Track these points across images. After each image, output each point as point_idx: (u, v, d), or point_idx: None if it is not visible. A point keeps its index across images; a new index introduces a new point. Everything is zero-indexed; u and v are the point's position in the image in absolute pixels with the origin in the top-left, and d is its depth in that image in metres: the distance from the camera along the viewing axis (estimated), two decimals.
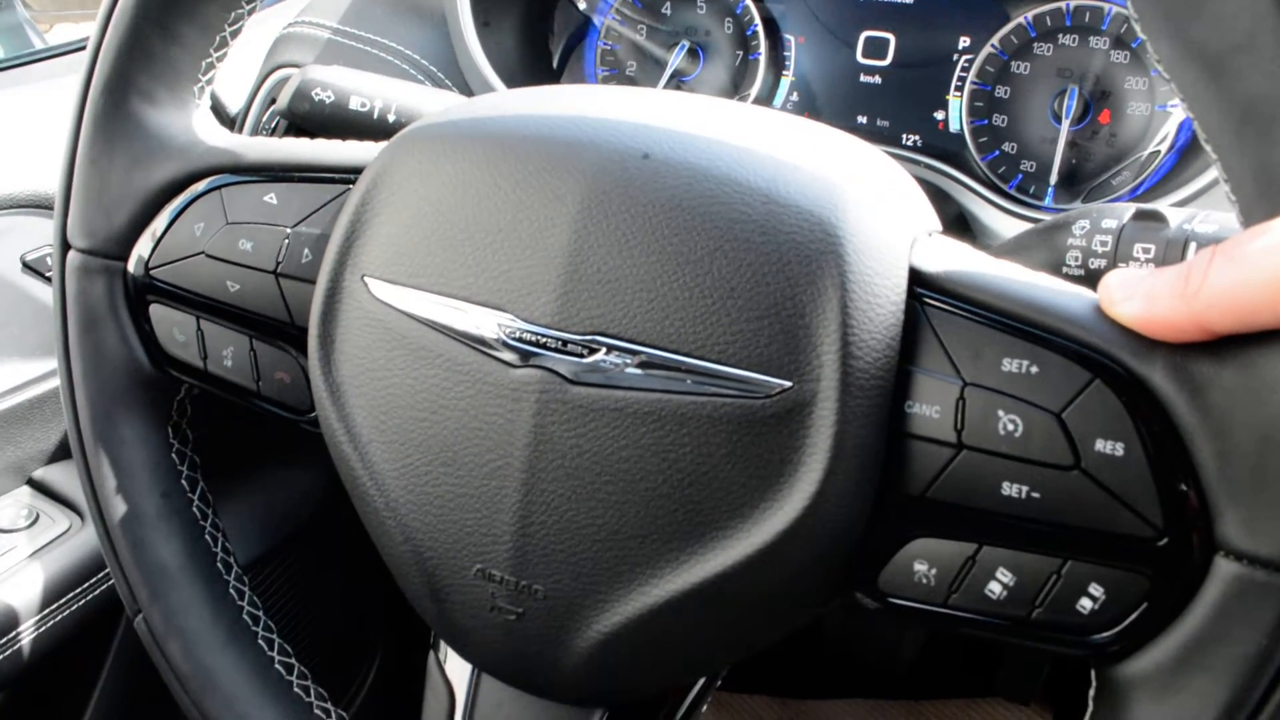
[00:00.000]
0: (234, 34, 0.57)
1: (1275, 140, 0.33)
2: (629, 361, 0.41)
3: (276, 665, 0.60)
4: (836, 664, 1.43)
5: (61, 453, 0.91)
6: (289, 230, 0.53)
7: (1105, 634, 0.38)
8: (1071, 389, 0.37)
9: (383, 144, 0.49)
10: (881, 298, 0.39)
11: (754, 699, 1.47)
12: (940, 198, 0.81)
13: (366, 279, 0.47)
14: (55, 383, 0.88)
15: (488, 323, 0.44)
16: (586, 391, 0.42)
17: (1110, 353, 0.37)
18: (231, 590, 0.61)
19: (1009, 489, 0.38)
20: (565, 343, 0.42)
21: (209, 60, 0.57)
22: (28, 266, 0.87)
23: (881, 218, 0.41)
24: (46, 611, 0.82)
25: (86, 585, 0.85)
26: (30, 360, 0.87)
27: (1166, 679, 0.37)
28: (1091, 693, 0.41)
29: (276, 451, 1.06)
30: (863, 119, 0.85)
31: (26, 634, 0.80)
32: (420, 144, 0.47)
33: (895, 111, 0.85)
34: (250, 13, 0.57)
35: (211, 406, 0.67)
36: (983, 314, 0.39)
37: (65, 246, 0.58)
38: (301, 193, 0.54)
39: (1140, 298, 0.36)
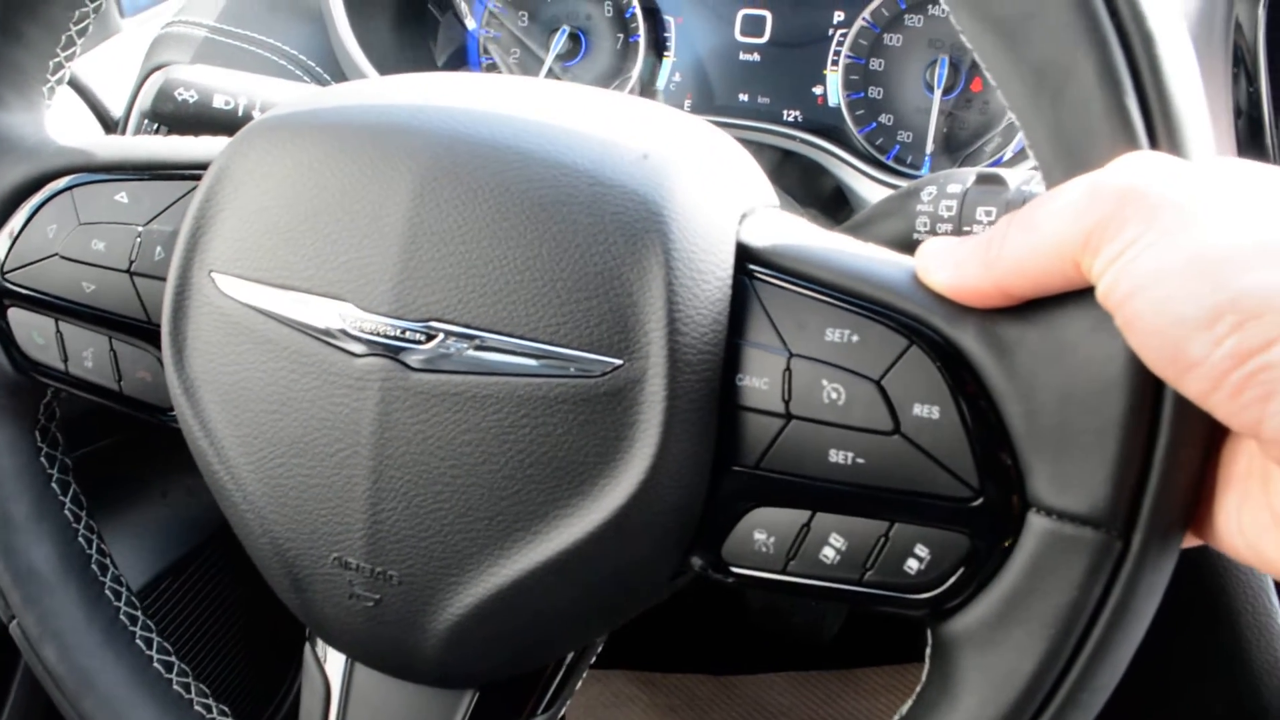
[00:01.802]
0: (81, 33, 0.56)
1: (1065, 104, 0.34)
2: (466, 346, 0.42)
3: (155, 664, 0.60)
4: (765, 638, 1.45)
5: None
6: (141, 229, 0.53)
7: (932, 593, 0.39)
8: (890, 356, 0.38)
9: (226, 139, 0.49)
10: (707, 274, 0.40)
11: (688, 677, 1.48)
12: (819, 172, 0.82)
13: (214, 274, 0.47)
14: None
15: (329, 314, 0.44)
16: (427, 378, 0.42)
17: (925, 319, 0.38)
18: (108, 591, 0.61)
19: (836, 456, 0.39)
20: (404, 330, 0.43)
21: (56, 60, 0.56)
22: None
23: (709, 194, 0.42)
24: None
25: None
26: None
27: (989, 634, 0.38)
28: (928, 650, 0.42)
29: (182, 463, 1.05)
30: (744, 96, 0.86)
31: None
32: (261, 137, 0.47)
33: (776, 88, 0.86)
34: (96, 11, 0.56)
35: (107, 422, 0.66)
36: (807, 286, 0.40)
37: None
38: (153, 190, 0.53)
39: (950, 266, 0.37)
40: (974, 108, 0.80)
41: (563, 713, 0.58)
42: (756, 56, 0.86)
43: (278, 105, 0.49)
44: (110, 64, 0.97)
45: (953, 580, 0.39)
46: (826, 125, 0.84)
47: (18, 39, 0.54)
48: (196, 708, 0.60)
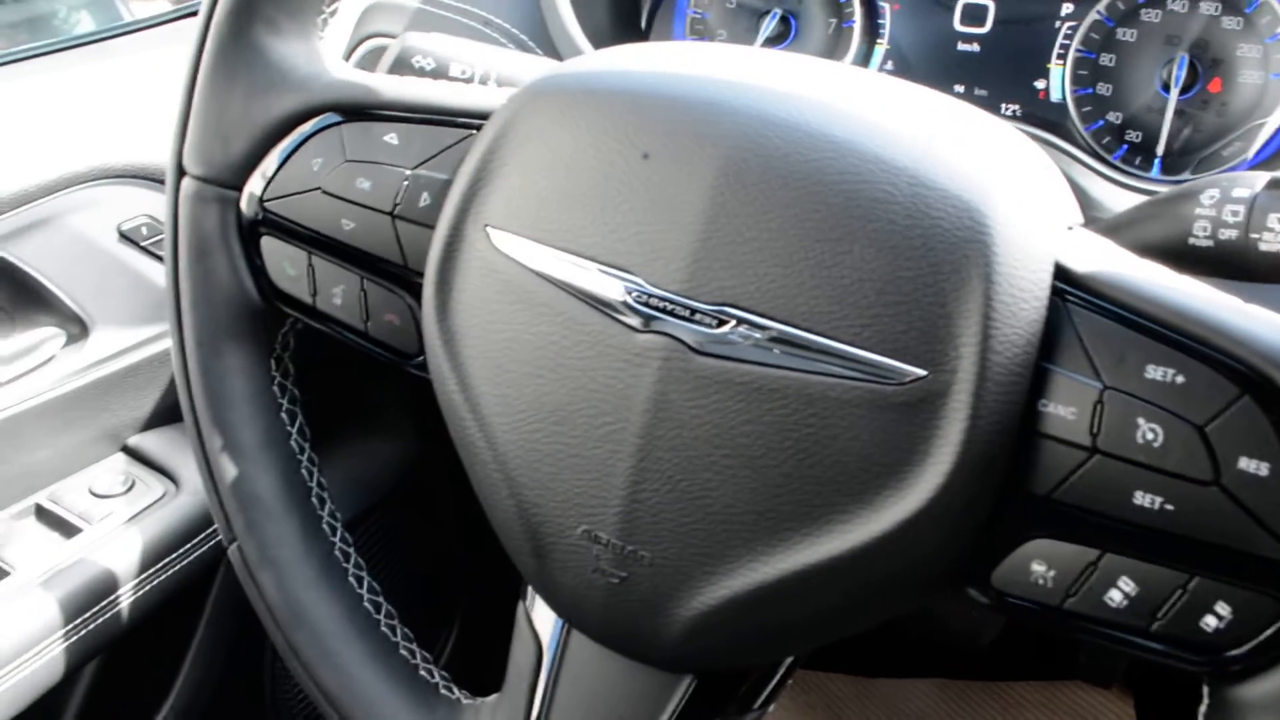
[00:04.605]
0: None
1: None
2: (759, 336, 0.41)
3: (365, 603, 0.61)
4: (913, 643, 1.42)
5: (155, 420, 0.92)
6: (409, 172, 0.52)
7: (1227, 653, 0.37)
8: (1218, 403, 0.36)
9: (510, 91, 0.48)
10: (1026, 292, 0.38)
11: (829, 677, 1.46)
12: None
13: (489, 229, 0.47)
14: (150, 351, 0.89)
15: (614, 284, 0.43)
16: (711, 363, 0.41)
17: (1262, 370, 0.36)
18: (325, 525, 0.61)
19: (1141, 498, 0.37)
20: (693, 311, 0.42)
21: None
22: (124, 236, 0.88)
23: (1029, 209, 0.40)
24: (143, 576, 0.83)
25: (182, 551, 0.86)
26: (126, 329, 0.88)
27: None
28: (1203, 709, 0.40)
29: (357, 423, 1.07)
30: (960, 88, 0.83)
31: (124, 598, 0.82)
32: (552, 96, 0.46)
33: (994, 80, 0.83)
34: None
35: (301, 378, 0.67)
36: (1129, 316, 0.38)
37: (180, 173, 0.58)
38: (424, 135, 0.53)
39: None
40: (1211, 109, 0.76)
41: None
42: (975, 47, 0.83)
43: (564, 64, 0.48)
44: (330, 33, 0.98)
45: (1255, 643, 0.37)
46: (1047, 121, 0.81)
47: None
48: (402, 651, 0.60)
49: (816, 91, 0.43)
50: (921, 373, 0.39)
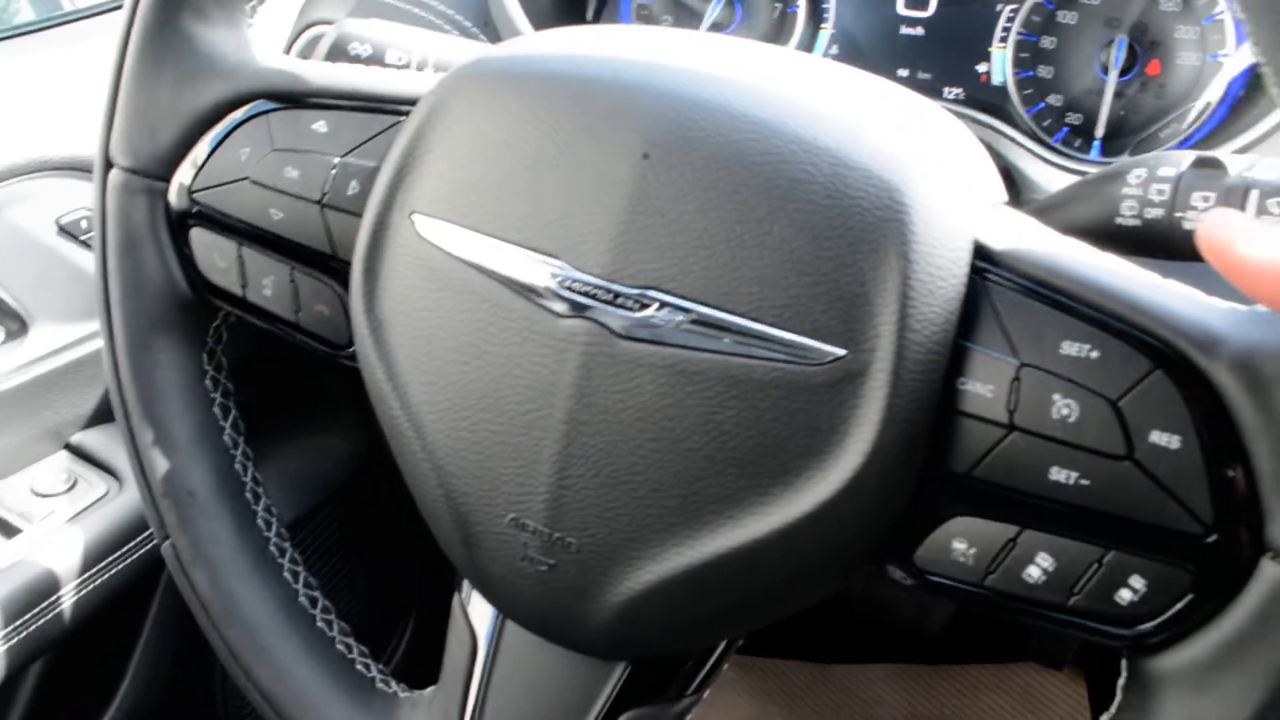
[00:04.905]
0: None
1: None
2: (681, 319, 0.40)
3: (301, 598, 0.60)
4: (866, 628, 1.42)
5: (98, 417, 0.91)
6: (337, 160, 0.52)
7: (1142, 626, 0.38)
8: (1131, 377, 0.36)
9: (438, 76, 0.48)
10: (944, 270, 0.38)
11: (783, 663, 1.47)
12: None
13: (415, 216, 0.46)
14: (92, 347, 0.88)
15: (539, 270, 0.43)
16: (635, 347, 0.41)
17: (1173, 343, 0.36)
18: (259, 521, 0.61)
19: (1057, 474, 0.38)
20: (616, 295, 0.41)
21: None
22: (63, 230, 0.86)
23: (950, 187, 0.40)
24: (86, 576, 0.82)
25: (125, 549, 0.85)
26: (66, 324, 0.87)
27: (1201, 676, 0.37)
28: (1121, 682, 0.40)
29: (308, 419, 1.07)
30: (904, 72, 0.84)
31: (67, 598, 0.81)
32: (479, 80, 0.46)
33: (937, 64, 0.83)
34: None
35: (246, 374, 0.67)
36: (1046, 293, 0.38)
37: (107, 165, 0.57)
38: (352, 122, 0.52)
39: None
40: (1149, 91, 0.77)
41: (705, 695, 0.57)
42: (919, 31, 0.83)
43: (492, 48, 0.48)
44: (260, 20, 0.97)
45: (1167, 616, 0.37)
46: (989, 104, 0.81)
47: None
48: (338, 646, 0.60)
49: (741, 73, 0.42)
50: (841, 352, 0.38)
